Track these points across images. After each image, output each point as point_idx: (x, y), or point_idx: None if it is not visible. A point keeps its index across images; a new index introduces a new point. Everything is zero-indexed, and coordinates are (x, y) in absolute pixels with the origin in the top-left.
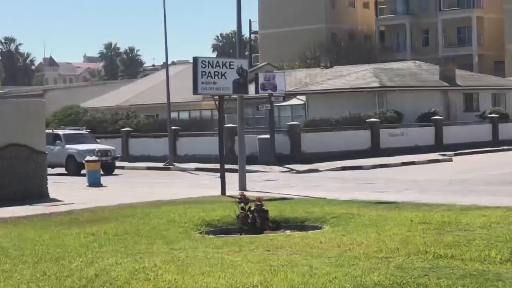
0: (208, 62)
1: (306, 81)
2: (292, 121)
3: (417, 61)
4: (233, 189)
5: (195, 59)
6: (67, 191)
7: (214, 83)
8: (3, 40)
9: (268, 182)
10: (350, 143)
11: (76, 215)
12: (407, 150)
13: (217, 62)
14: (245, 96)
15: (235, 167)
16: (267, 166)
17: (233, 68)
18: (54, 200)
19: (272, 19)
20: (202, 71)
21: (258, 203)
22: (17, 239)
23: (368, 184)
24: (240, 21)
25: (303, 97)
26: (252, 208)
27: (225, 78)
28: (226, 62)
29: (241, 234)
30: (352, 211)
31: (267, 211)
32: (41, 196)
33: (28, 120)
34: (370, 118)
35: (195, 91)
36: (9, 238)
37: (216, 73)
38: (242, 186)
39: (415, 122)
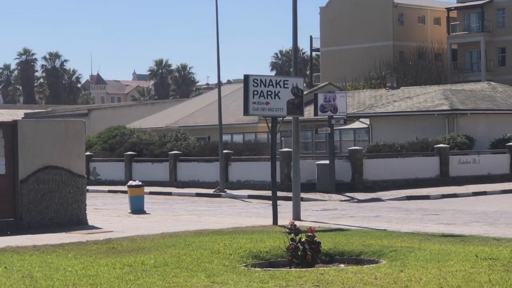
0: (261, 80)
1: (370, 103)
2: (354, 145)
3: (492, 82)
4: (287, 218)
5: (246, 77)
6: (108, 218)
7: (267, 103)
8: (48, 56)
9: (326, 212)
10: (417, 170)
11: (114, 244)
12: (479, 178)
13: (270, 80)
14: (303, 118)
15: (291, 194)
16: (325, 194)
17: (287, 88)
18: (93, 227)
19: (334, 35)
20: (253, 90)
21: (310, 234)
22: (49, 268)
23: (433, 215)
24: (296, 36)
25: (367, 120)
26: (303, 240)
27: (279, 98)
28: (280, 80)
29: (290, 268)
30: (413, 244)
31: (319, 242)
32: (79, 222)
33: (67, 141)
34: (438, 144)
35: (245, 112)
36: (40, 267)
37: (269, 93)
38: (296, 216)
39: (488, 148)
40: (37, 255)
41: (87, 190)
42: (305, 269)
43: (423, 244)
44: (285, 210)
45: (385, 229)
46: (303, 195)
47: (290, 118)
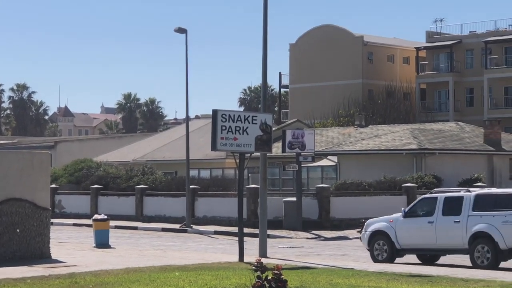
0: (229, 115)
1: (338, 141)
2: (322, 183)
3: (460, 123)
4: (253, 255)
5: (215, 112)
6: (72, 252)
7: (235, 138)
8: (15, 87)
9: (292, 249)
10: (384, 209)
11: (77, 279)
12: None
13: (239, 116)
14: (270, 154)
15: (257, 231)
16: (292, 232)
17: (256, 123)
18: (56, 261)
19: (303, 72)
20: (222, 125)
21: (276, 272)
22: None
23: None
24: (265, 71)
25: (335, 158)
26: (269, 277)
27: (247, 133)
28: (249, 116)
29: None
30: (381, 284)
31: (285, 281)
32: (43, 256)
33: (32, 173)
34: (406, 183)
35: (213, 147)
36: None
37: (238, 128)
38: (263, 253)
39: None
40: None
41: (52, 223)
42: None
43: (390, 284)
44: (252, 246)
45: (352, 268)
46: (269, 232)
47: (257, 154)
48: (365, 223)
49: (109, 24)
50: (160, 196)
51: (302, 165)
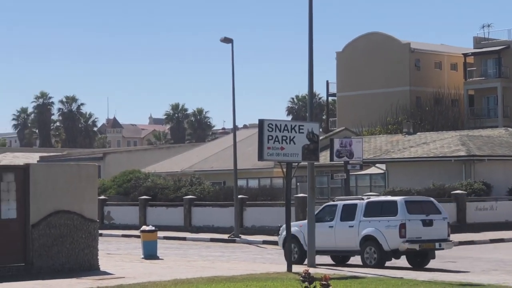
0: (276, 125)
1: (386, 148)
2: (370, 191)
3: (509, 128)
4: (302, 265)
5: (261, 121)
6: (120, 263)
7: (282, 148)
8: (64, 99)
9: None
10: None
11: None
12: (497, 225)
13: (286, 125)
14: (318, 163)
15: None
16: None
17: (303, 133)
18: (105, 273)
19: (350, 80)
20: (268, 135)
21: (324, 282)
22: None
23: (450, 263)
24: (312, 81)
25: (383, 166)
26: None
27: (294, 143)
28: (295, 125)
29: None
30: None
31: None
32: (91, 268)
33: (79, 185)
34: (455, 190)
35: (260, 157)
36: None
37: (284, 138)
38: (311, 262)
39: (506, 195)
40: None
41: (101, 235)
42: None
43: None
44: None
45: (401, 277)
46: None
47: (305, 163)
48: (281, 227)
49: (156, 35)
50: (208, 206)
51: (350, 173)
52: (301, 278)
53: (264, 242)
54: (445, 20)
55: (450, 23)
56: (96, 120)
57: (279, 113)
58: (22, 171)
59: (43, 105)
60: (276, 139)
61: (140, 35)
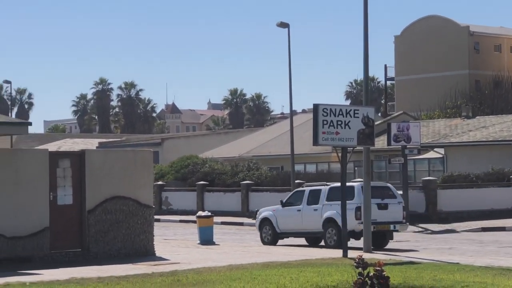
0: (330, 110)
1: (445, 132)
2: (429, 176)
3: None
4: (359, 250)
5: (316, 106)
6: (176, 249)
7: (337, 133)
8: (123, 86)
9: (398, 243)
10: (492, 201)
11: (180, 276)
12: None
13: (340, 110)
14: (376, 147)
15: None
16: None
17: (358, 117)
18: (160, 258)
19: (409, 64)
20: (323, 120)
21: (378, 268)
22: None
23: (510, 247)
24: (367, 65)
25: (441, 150)
26: (371, 274)
27: (349, 127)
28: (351, 110)
29: None
30: (486, 279)
31: (387, 277)
32: (147, 254)
33: (134, 171)
34: None
35: (315, 142)
36: None
37: (339, 122)
38: (367, 248)
39: None
40: (101, 287)
41: (158, 220)
42: None
43: (496, 279)
44: (358, 242)
45: (458, 263)
46: None
47: (361, 147)
48: (258, 211)
49: (214, 23)
50: (266, 191)
51: (408, 157)
52: (354, 264)
53: None
54: (504, 2)
55: (510, 6)
56: (155, 105)
57: (338, 97)
58: (78, 157)
59: (103, 91)
60: (331, 124)
61: (198, 23)
